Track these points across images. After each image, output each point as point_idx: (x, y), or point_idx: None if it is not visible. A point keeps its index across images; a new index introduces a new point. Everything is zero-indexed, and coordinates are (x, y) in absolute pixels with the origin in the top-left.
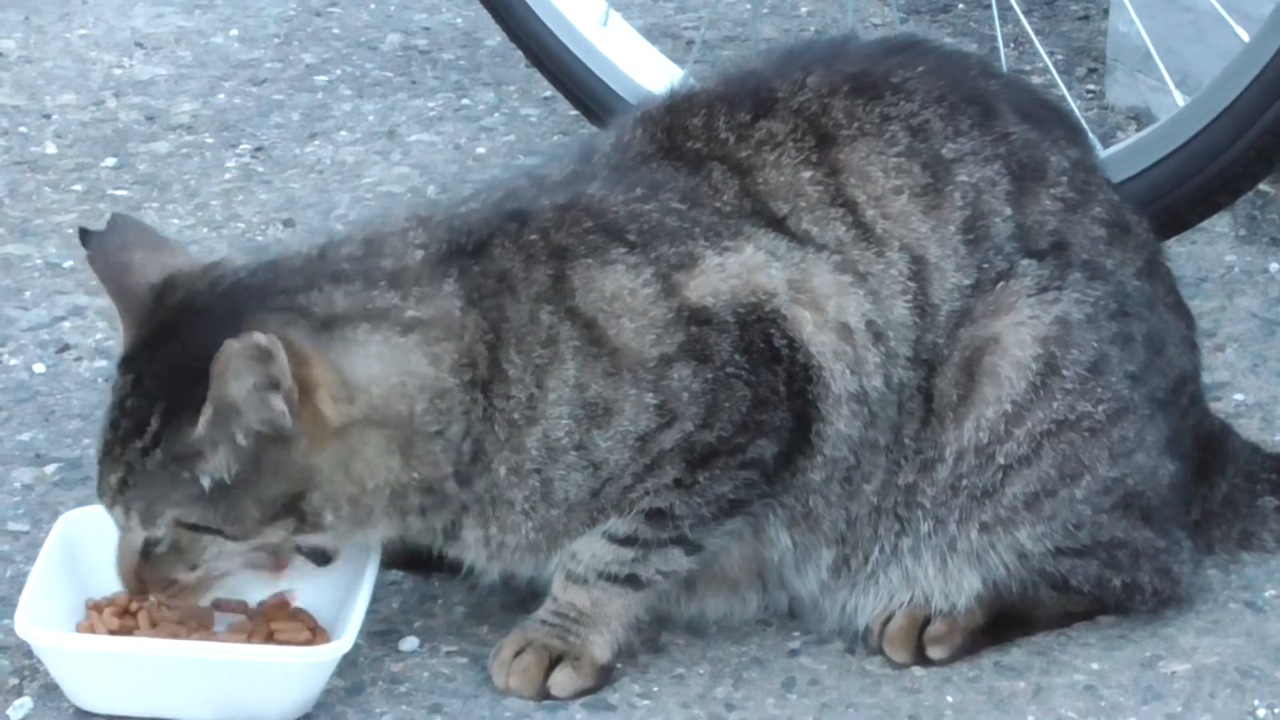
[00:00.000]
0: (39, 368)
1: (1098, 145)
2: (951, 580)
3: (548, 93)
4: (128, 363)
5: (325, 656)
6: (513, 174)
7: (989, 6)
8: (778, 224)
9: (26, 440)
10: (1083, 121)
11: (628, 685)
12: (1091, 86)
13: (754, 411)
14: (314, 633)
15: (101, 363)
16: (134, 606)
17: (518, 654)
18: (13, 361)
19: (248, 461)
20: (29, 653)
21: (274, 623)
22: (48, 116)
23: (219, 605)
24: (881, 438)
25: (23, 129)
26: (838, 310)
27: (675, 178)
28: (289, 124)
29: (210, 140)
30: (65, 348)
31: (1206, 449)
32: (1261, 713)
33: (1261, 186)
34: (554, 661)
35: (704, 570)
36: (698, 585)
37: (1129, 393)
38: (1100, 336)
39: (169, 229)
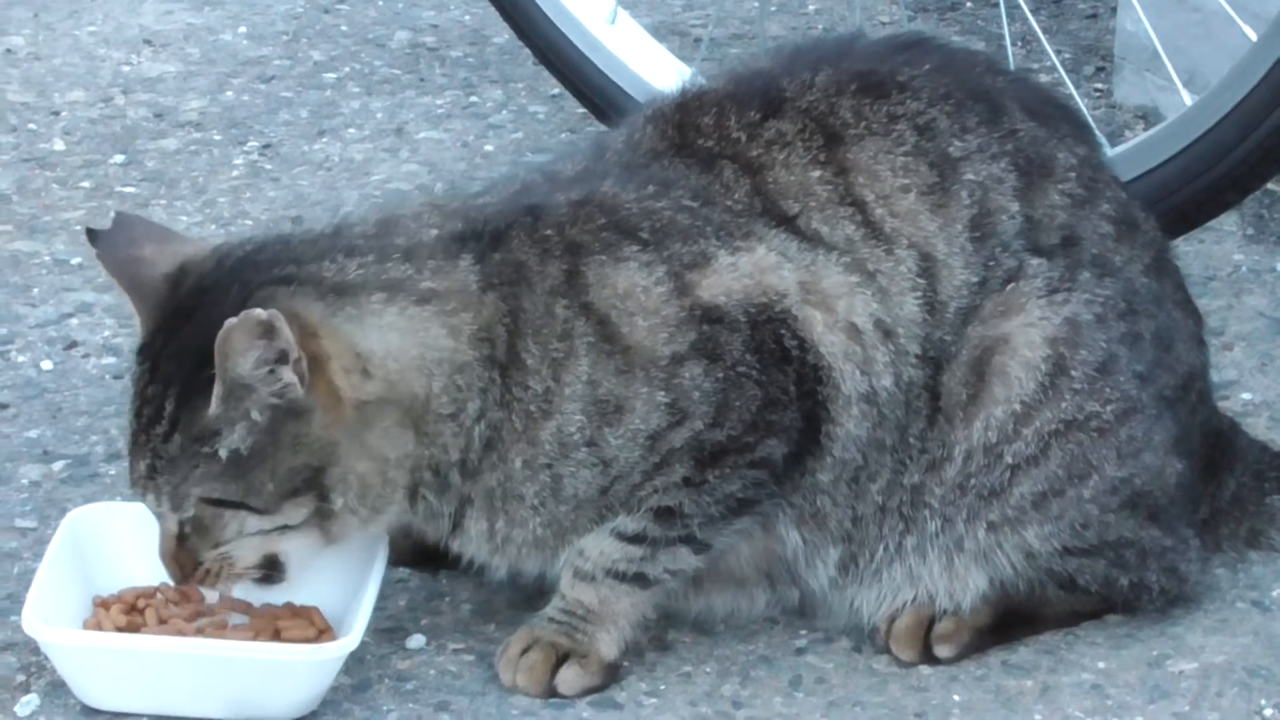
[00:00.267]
0: (47, 365)
1: (1105, 144)
2: (958, 579)
3: (555, 90)
4: (144, 351)
5: (332, 654)
6: (524, 170)
7: (996, 5)
8: (788, 224)
9: (34, 437)
10: (1090, 120)
11: (635, 683)
12: (1099, 85)
13: (764, 411)
14: (320, 630)
15: (109, 360)
16: (141, 604)
17: (525, 651)
18: (20, 358)
19: (265, 434)
20: (36, 649)
21: (281, 620)
22: (56, 113)
23: (225, 603)
24: (889, 437)
25: (31, 126)
26: (847, 310)
27: (687, 176)
28: (297, 121)
29: (218, 137)
30: (73, 345)
31: (1214, 447)
32: (1269, 712)
33: (1269, 185)
34: (561, 659)
35: (712, 568)
36: (705, 582)
37: (1137, 392)
38: (1109, 337)
39: (177, 226)
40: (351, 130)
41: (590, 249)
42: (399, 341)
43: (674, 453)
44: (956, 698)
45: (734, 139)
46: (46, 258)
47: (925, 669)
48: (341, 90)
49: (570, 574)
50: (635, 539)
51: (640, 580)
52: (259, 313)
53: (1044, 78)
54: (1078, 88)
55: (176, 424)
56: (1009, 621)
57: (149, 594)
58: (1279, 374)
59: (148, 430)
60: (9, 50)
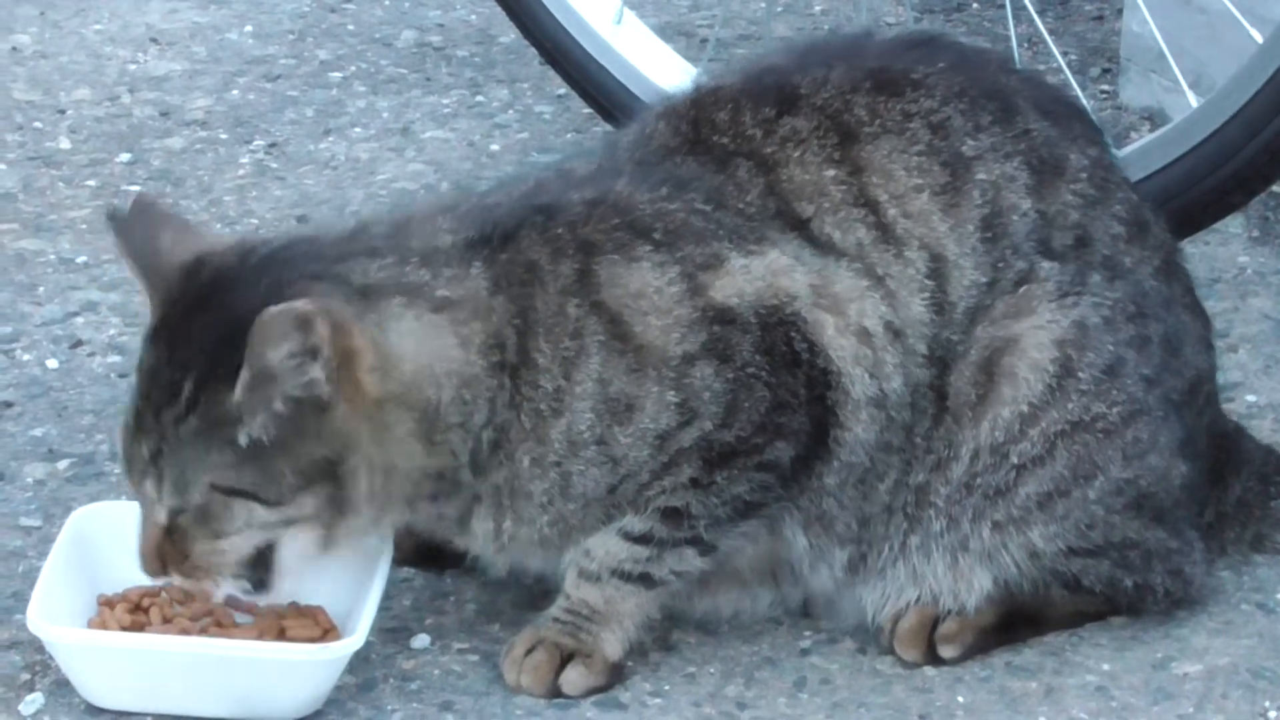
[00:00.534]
0: (52, 363)
1: (1111, 146)
2: (963, 579)
3: (561, 90)
4: (156, 336)
5: (337, 653)
6: (535, 169)
7: (1003, 6)
8: (801, 227)
9: (39, 435)
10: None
11: (639, 684)
12: (1105, 87)
13: (773, 413)
14: (325, 630)
15: (115, 358)
16: (146, 603)
17: (529, 651)
18: (26, 357)
19: (285, 425)
20: (40, 648)
21: (285, 620)
22: (62, 112)
23: (230, 602)
24: (895, 439)
25: (37, 124)
26: (858, 314)
27: (700, 174)
28: (303, 120)
29: (224, 136)
30: (78, 343)
31: (1220, 450)
32: (1273, 714)
33: (1275, 188)
34: (565, 659)
35: (718, 569)
36: (711, 582)
37: (1143, 394)
38: (1117, 339)
39: None
40: (357, 129)
41: (603, 248)
42: (414, 348)
43: (682, 453)
44: (961, 699)
45: (749, 135)
46: (52, 256)
47: (929, 670)
48: (347, 89)
49: (575, 574)
50: (641, 539)
51: (645, 581)
52: (300, 304)
53: (1050, 79)
54: (1084, 89)
55: (194, 407)
56: (1013, 622)
57: (154, 593)
58: None
59: (157, 413)
60: (15, 48)
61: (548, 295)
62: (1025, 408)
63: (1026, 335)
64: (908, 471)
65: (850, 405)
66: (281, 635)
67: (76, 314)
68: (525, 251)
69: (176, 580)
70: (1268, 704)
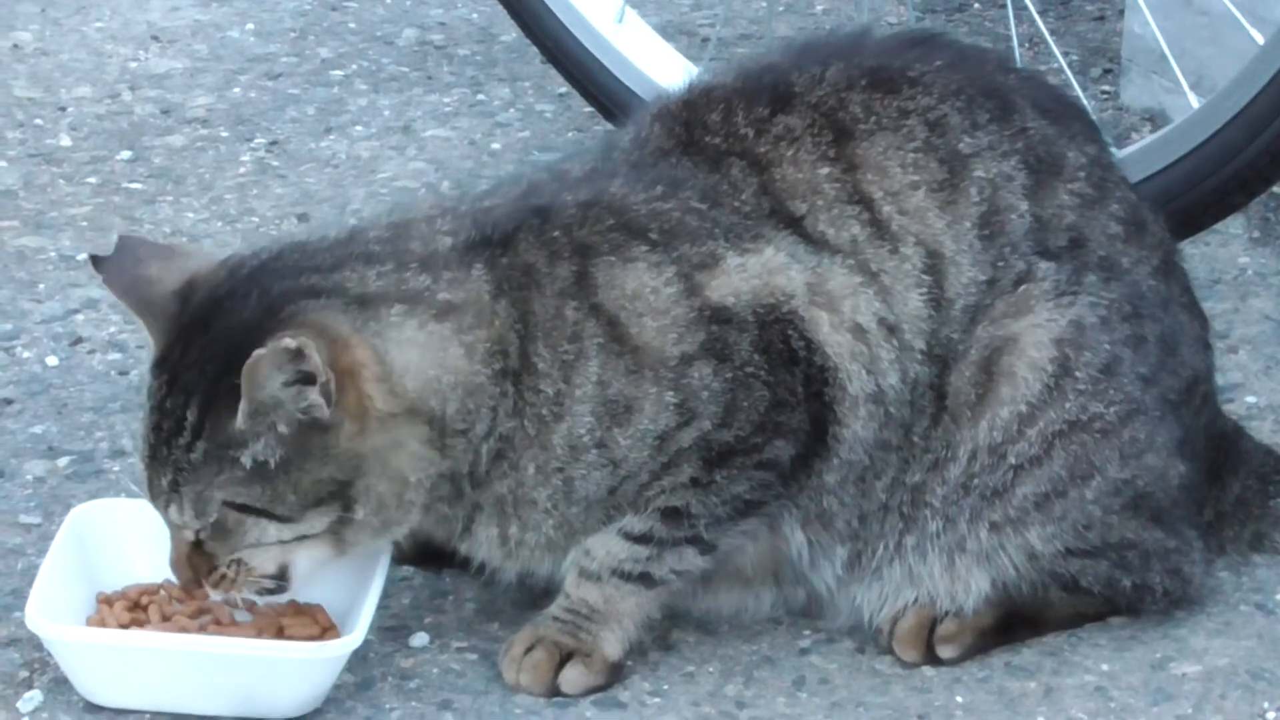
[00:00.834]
0: (52, 360)
1: (1112, 146)
2: (960, 580)
3: (563, 89)
4: (160, 366)
5: (335, 652)
6: (531, 169)
7: (1004, 6)
8: (795, 224)
9: (39, 433)
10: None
11: (638, 683)
12: (1106, 87)
13: (772, 412)
14: (324, 628)
15: (115, 355)
16: (145, 600)
17: (528, 650)
18: (26, 354)
19: (290, 445)
20: (39, 645)
21: (284, 618)
22: (63, 109)
23: (228, 600)
24: (893, 437)
25: (38, 121)
26: (853, 310)
27: (694, 175)
28: (304, 118)
29: (225, 134)
30: (78, 340)
31: (1219, 450)
32: (1272, 715)
33: (1276, 189)
34: (565, 658)
35: (719, 567)
36: (712, 581)
37: (1140, 394)
38: (1113, 338)
39: (183, 222)
40: (359, 128)
41: (599, 250)
42: (418, 359)
43: (682, 453)
44: (959, 699)
45: (741, 135)
46: (52, 253)
47: (928, 670)
48: (349, 87)
49: (576, 573)
50: (642, 539)
51: (646, 580)
52: (288, 342)
53: (1051, 79)
54: (1085, 90)
55: (200, 432)
56: (1012, 623)
57: (152, 591)
58: None
59: (169, 443)
60: (16, 46)
61: (545, 299)
62: (1023, 407)
63: (1025, 334)
64: (905, 470)
65: (848, 402)
66: (280, 634)
67: (77, 311)
68: (522, 255)
69: (210, 591)
70: (1266, 705)
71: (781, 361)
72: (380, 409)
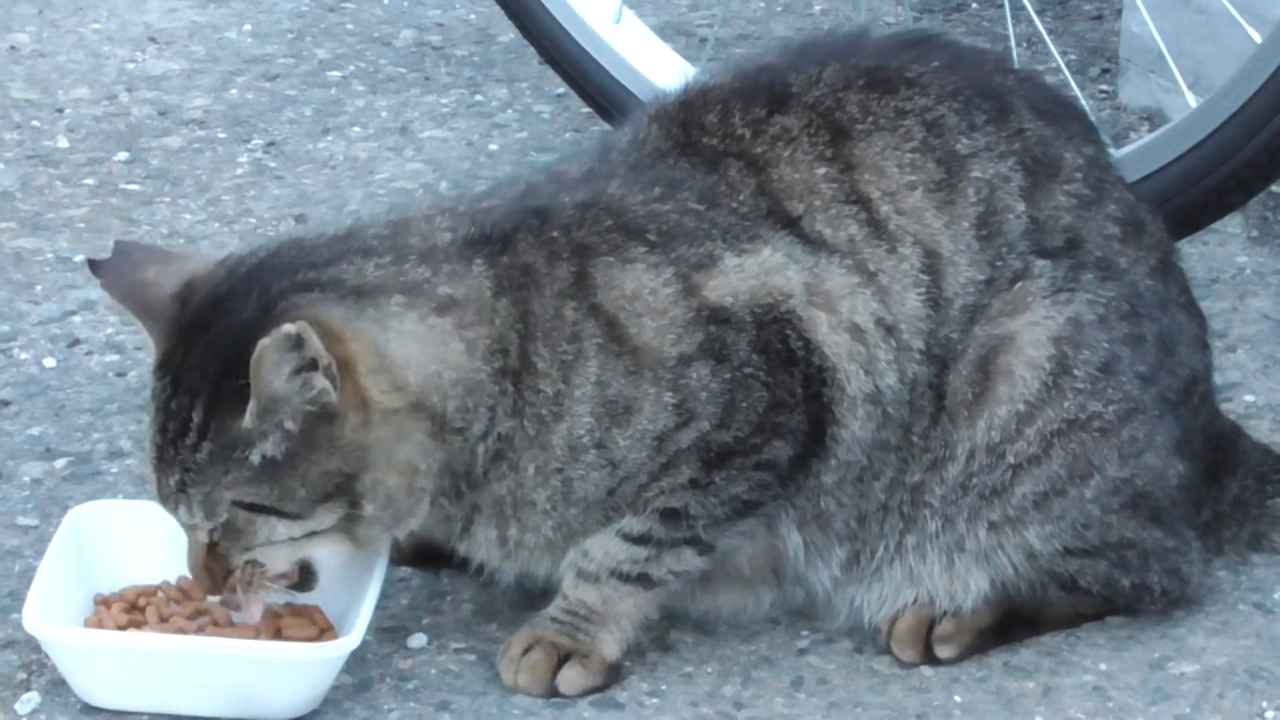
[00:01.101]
0: (49, 362)
1: (1110, 146)
2: (958, 579)
3: (560, 90)
4: (162, 368)
5: (333, 653)
6: (529, 171)
7: (1002, 6)
8: (793, 225)
9: (36, 434)
10: (1095, 122)
11: (636, 683)
12: (1104, 87)
13: (770, 413)
14: (322, 629)
15: (112, 357)
16: (142, 602)
17: (526, 651)
18: (23, 355)
19: (298, 440)
20: (37, 647)
21: (282, 619)
22: (60, 110)
23: (226, 602)
24: (892, 437)
25: (35, 123)
26: (850, 311)
27: (692, 175)
28: (301, 119)
29: (222, 135)
30: (76, 342)
31: (1217, 450)
32: (1270, 714)
33: (1274, 188)
34: (563, 659)
35: (718, 567)
36: (713, 580)
37: (1139, 393)
38: (1111, 337)
39: (181, 224)
40: (356, 129)
41: (598, 251)
42: (419, 353)
43: (681, 454)
44: (958, 699)
45: (739, 136)
46: (49, 255)
47: (926, 670)
48: (346, 88)
49: (574, 574)
50: (640, 540)
51: (644, 581)
52: (288, 328)
53: (1049, 79)
54: (1083, 89)
55: (206, 433)
56: (1010, 623)
57: (150, 592)
58: None
59: (175, 445)
60: (13, 47)
61: (545, 299)
62: (1021, 406)
63: (1022, 332)
64: (904, 470)
65: (846, 402)
66: (278, 635)
67: (74, 313)
68: (521, 255)
69: (226, 597)
70: (1265, 704)
71: (780, 362)
72: (380, 402)
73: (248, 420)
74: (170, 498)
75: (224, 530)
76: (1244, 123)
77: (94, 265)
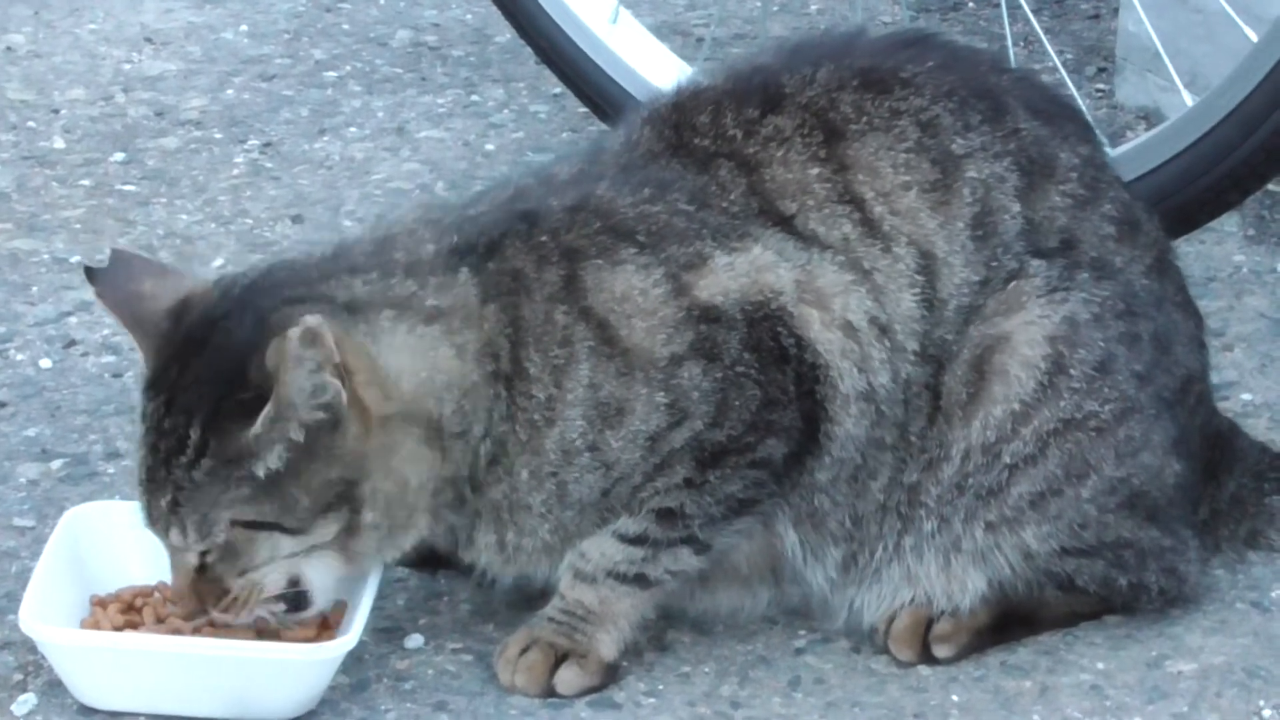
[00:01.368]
0: (45, 363)
1: (1106, 145)
2: (956, 580)
3: (557, 90)
4: (154, 387)
5: (330, 653)
6: (520, 173)
7: (998, 5)
8: (785, 224)
9: (32, 436)
10: (1091, 121)
11: (633, 683)
12: (1101, 86)
13: (763, 411)
14: (319, 629)
15: (108, 358)
16: (139, 603)
17: (523, 651)
18: (19, 357)
19: (300, 451)
20: (33, 649)
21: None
22: (56, 111)
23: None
24: (888, 436)
25: (31, 124)
26: (843, 308)
27: (683, 176)
28: (298, 120)
29: (219, 136)
30: (72, 343)
31: (1214, 448)
32: (1268, 713)
33: (1270, 186)
34: (560, 659)
35: (716, 566)
36: (710, 579)
37: (1135, 392)
38: (1107, 336)
39: (177, 225)
40: (352, 129)
41: (587, 253)
42: (410, 363)
43: (674, 453)
44: (955, 698)
45: (730, 137)
46: (46, 256)
47: (924, 669)
48: (343, 89)
49: (570, 575)
50: (636, 540)
51: (641, 581)
52: (309, 320)
53: (1046, 78)
54: (1079, 88)
55: (204, 450)
56: (1008, 622)
57: (147, 593)
58: (1279, 375)
59: (168, 464)
60: (9, 48)
61: (535, 304)
62: (1017, 406)
63: (1018, 332)
64: (901, 470)
65: (839, 400)
66: (275, 635)
67: (70, 314)
68: (511, 260)
69: (216, 616)
70: (1262, 703)
71: (772, 360)
72: (376, 413)
73: (258, 427)
74: (161, 520)
75: (221, 552)
76: (1240, 121)
77: (90, 273)
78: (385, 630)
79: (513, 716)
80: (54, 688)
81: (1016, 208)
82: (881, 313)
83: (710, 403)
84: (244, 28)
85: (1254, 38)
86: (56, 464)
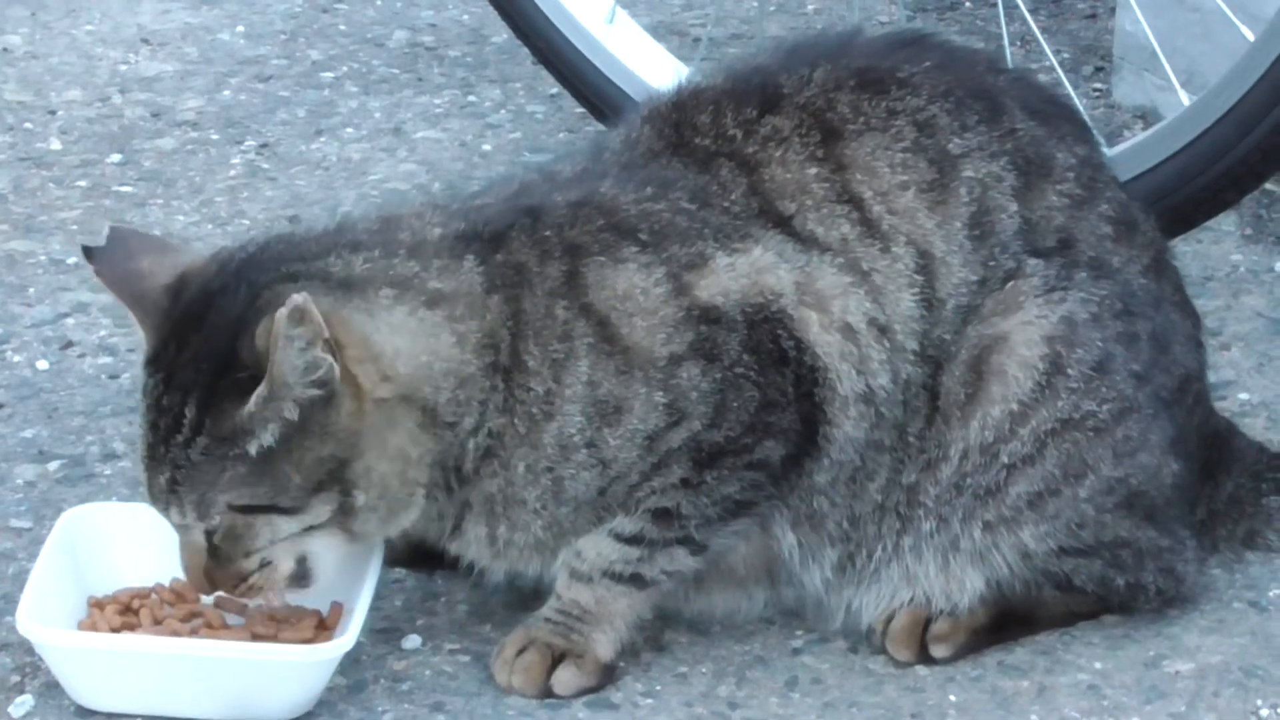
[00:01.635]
0: (42, 364)
1: (1103, 144)
2: (954, 579)
3: (554, 90)
4: (154, 363)
5: (327, 654)
6: (522, 171)
7: (995, 4)
8: (784, 224)
9: (29, 437)
10: (1088, 120)
11: (630, 684)
12: (1098, 85)
13: (762, 412)
14: (316, 630)
15: (105, 359)
16: (136, 604)
17: (520, 652)
18: (16, 358)
19: (294, 429)
20: (30, 650)
21: (276, 619)
22: (53, 112)
23: (220, 603)
24: (886, 437)
25: (28, 125)
26: (842, 310)
27: (684, 175)
28: (295, 121)
29: (215, 137)
30: (69, 344)
31: (1212, 448)
32: (1265, 712)
33: (1268, 185)
34: (557, 660)
35: (712, 567)
36: (706, 581)
37: (1133, 392)
38: (1105, 336)
39: (174, 226)
40: (349, 130)
41: (589, 250)
42: (409, 345)
43: (672, 453)
44: (953, 698)
45: (730, 136)
46: (43, 257)
47: (921, 669)
48: (339, 90)
49: (567, 575)
50: (632, 540)
51: (637, 581)
52: (295, 298)
53: (1043, 78)
54: (1076, 88)
55: (200, 428)
56: (1005, 622)
57: (144, 594)
58: (1277, 374)
59: (166, 442)
60: (6, 49)
61: (536, 298)
62: (1015, 406)
63: (1015, 332)
64: (900, 471)
65: (838, 402)
66: (273, 637)
67: (67, 315)
68: (514, 254)
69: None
70: (1259, 702)
71: (771, 361)
72: (370, 390)
73: (252, 405)
74: (161, 497)
75: (223, 536)
76: (1237, 121)
77: (89, 252)
78: (382, 631)
79: (510, 717)
80: (51, 689)
81: (1014, 207)
82: (881, 314)
83: (709, 403)
84: (240, 29)
85: (1251, 37)
86: (54, 465)
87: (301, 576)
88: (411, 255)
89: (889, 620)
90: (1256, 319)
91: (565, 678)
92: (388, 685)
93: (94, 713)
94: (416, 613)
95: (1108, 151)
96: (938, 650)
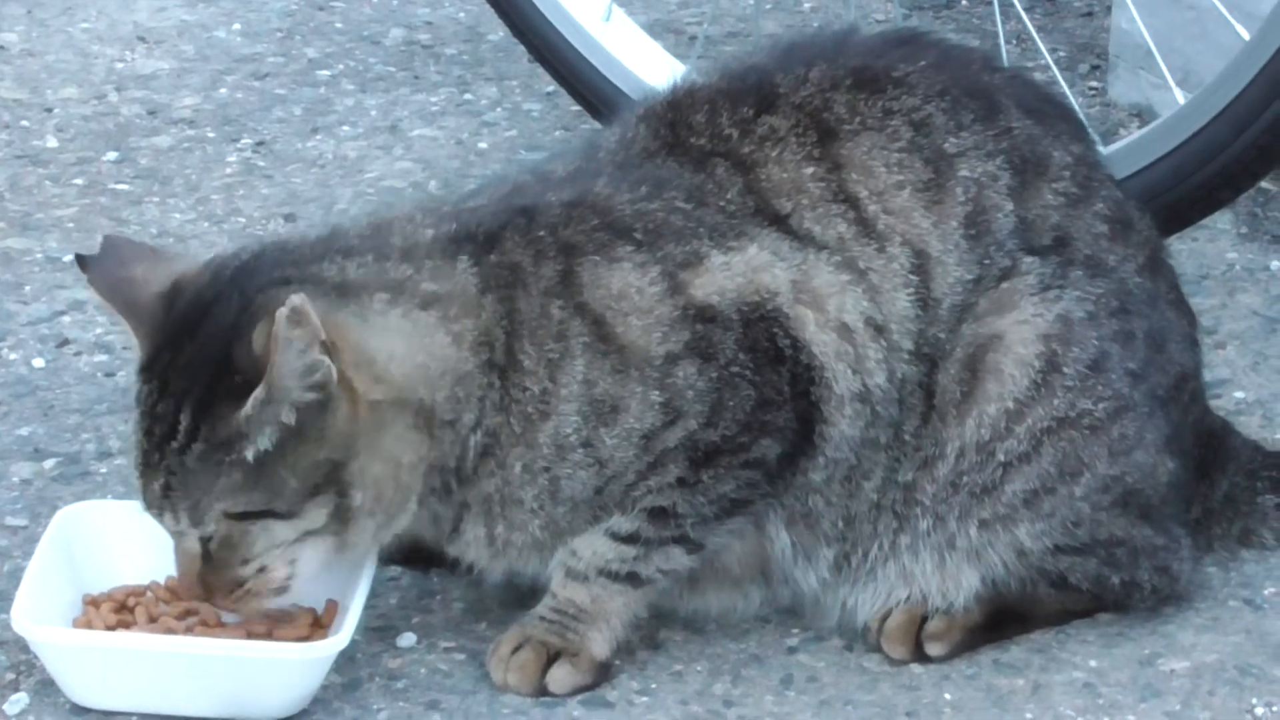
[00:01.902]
0: (38, 362)
1: (1099, 143)
2: (950, 578)
3: (550, 88)
4: (148, 370)
5: (322, 652)
6: (515, 170)
7: (991, 3)
8: (780, 223)
9: (25, 435)
10: (1084, 119)
11: (626, 682)
12: (1094, 84)
13: (758, 411)
14: (311, 628)
15: (101, 357)
16: (131, 602)
17: (516, 650)
18: (12, 356)
19: (290, 434)
20: (25, 648)
21: (271, 619)
22: (49, 110)
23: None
24: (882, 435)
25: (24, 122)
26: (838, 309)
27: (680, 175)
28: (291, 118)
29: (212, 134)
30: (65, 342)
31: (1207, 447)
32: (1260, 710)
33: (1263, 184)
34: (552, 658)
35: (707, 566)
36: (701, 580)
37: (1129, 390)
38: (1101, 334)
39: (170, 223)
40: (346, 127)
41: (584, 249)
42: (404, 347)
43: (668, 453)
44: (948, 696)
45: (726, 136)
46: (39, 255)
47: (916, 667)
48: (336, 87)
49: (562, 573)
50: (629, 539)
51: (633, 580)
52: (294, 299)
53: (1038, 76)
54: (1072, 86)
55: (195, 434)
56: (1000, 620)
57: (139, 592)
58: (1272, 373)
59: (161, 448)
60: (2, 47)
61: (531, 298)
62: (1011, 404)
63: (1011, 331)
64: (896, 469)
65: (834, 401)
66: (268, 634)
67: (63, 313)
68: (509, 253)
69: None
70: (1255, 700)
71: (767, 360)
72: (365, 394)
73: (249, 408)
74: (156, 503)
75: (219, 543)
76: (1233, 119)
77: (82, 261)
78: (378, 629)
79: (505, 715)
80: (46, 687)
81: (1009, 206)
82: (877, 313)
83: (705, 402)
84: (237, 26)
85: (1246, 35)
86: (49, 463)
87: (288, 580)
88: (404, 259)
89: (884, 618)
90: (1252, 317)
91: (560, 676)
92: (383, 683)
93: (89, 711)
94: (412, 610)
95: (1103, 150)
96: (933, 648)
